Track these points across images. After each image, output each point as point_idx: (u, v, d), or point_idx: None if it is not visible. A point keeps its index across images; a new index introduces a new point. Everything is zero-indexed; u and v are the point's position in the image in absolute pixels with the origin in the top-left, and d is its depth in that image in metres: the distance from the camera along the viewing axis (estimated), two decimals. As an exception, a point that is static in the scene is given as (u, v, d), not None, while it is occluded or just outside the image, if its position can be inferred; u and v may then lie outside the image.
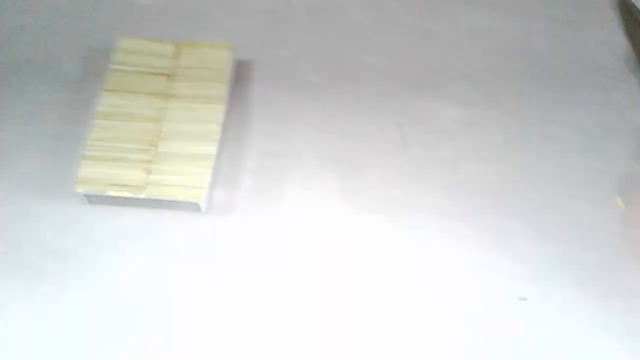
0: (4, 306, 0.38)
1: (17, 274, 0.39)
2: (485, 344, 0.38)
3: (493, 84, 0.47)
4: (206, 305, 0.38)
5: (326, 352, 0.37)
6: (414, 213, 0.42)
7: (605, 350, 0.38)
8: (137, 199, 0.39)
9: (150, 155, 0.40)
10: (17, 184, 0.41)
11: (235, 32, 0.48)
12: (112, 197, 0.39)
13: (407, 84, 0.47)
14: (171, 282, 0.38)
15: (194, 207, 0.39)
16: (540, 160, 0.45)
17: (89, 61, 0.46)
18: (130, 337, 0.37)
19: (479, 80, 0.48)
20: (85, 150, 0.40)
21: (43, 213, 0.40)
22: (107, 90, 0.42)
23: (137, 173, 0.39)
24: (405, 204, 0.42)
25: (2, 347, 0.36)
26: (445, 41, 0.49)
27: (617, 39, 0.50)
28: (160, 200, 0.39)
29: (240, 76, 0.46)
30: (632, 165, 0.44)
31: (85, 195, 0.39)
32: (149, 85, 0.42)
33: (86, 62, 0.46)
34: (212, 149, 0.40)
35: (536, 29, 0.50)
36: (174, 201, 0.39)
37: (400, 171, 0.43)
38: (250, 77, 0.46)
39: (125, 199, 0.39)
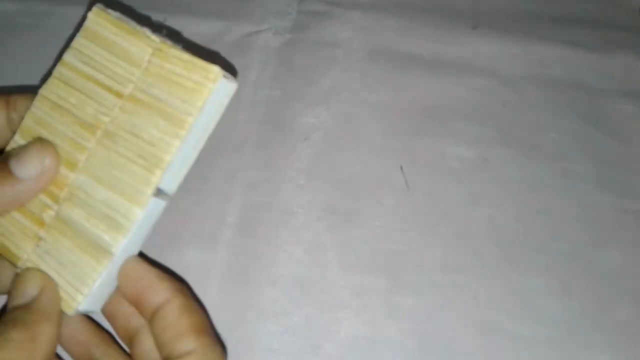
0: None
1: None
2: None
3: (505, 117, 0.43)
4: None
5: None
6: (419, 269, 0.36)
7: None
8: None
9: (47, 216, 0.28)
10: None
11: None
12: None
13: (410, 119, 0.42)
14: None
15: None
16: (561, 201, 0.39)
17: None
18: None
19: (489, 113, 0.43)
20: None
21: None
22: (43, 95, 0.29)
23: (25, 237, 0.28)
24: (409, 259, 0.37)
25: None
26: (452, 71, 0.45)
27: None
28: None
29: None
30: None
31: None
32: (91, 104, 0.28)
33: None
34: (114, 241, 0.26)
35: (555, 54, 0.46)
36: None
37: (403, 221, 0.38)
38: (231, 115, 0.42)
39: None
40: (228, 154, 0.40)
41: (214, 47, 0.45)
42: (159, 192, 0.27)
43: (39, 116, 0.29)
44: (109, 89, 0.28)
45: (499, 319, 0.35)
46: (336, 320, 0.35)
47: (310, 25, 0.47)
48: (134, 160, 0.27)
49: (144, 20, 0.29)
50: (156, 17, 0.44)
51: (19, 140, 0.28)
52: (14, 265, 0.28)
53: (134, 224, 0.26)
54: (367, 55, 0.45)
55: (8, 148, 0.29)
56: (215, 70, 0.26)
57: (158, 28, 0.28)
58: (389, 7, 0.48)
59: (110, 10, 0.29)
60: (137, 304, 0.27)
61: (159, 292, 0.27)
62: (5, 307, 0.26)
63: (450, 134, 0.42)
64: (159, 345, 0.26)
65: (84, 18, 0.29)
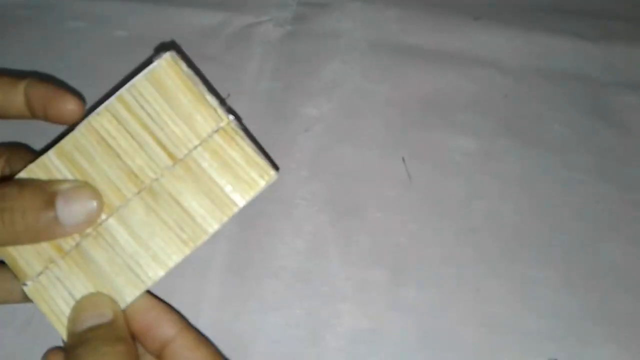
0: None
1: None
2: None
3: (507, 109, 0.42)
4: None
5: None
6: (421, 262, 0.36)
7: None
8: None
9: (68, 245, 0.28)
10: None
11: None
12: None
13: (412, 111, 0.42)
14: None
15: None
16: (564, 193, 0.39)
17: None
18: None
19: (490, 105, 0.42)
20: None
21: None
22: (92, 122, 0.28)
23: (38, 257, 0.28)
24: (411, 252, 0.37)
25: None
26: (454, 63, 0.44)
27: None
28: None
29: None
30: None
31: None
32: (140, 152, 0.28)
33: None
34: (129, 295, 0.28)
35: (558, 46, 0.45)
36: None
37: (405, 214, 0.38)
38: (232, 107, 0.41)
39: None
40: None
41: (215, 38, 0.45)
42: None
43: (82, 144, 0.28)
44: (163, 147, 0.28)
45: (500, 311, 0.35)
46: (338, 312, 0.35)
47: (311, 16, 0.46)
48: (172, 228, 0.28)
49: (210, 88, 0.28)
50: (160, 14, 0.44)
51: (53, 158, 0.28)
52: (19, 280, 0.28)
53: (153, 283, 0.28)
54: (369, 47, 0.45)
55: (38, 163, 0.28)
56: (272, 173, 0.28)
57: (222, 101, 0.28)
58: (391, -2, 0.47)
59: (182, 63, 0.28)
60: (144, 336, 0.28)
61: (169, 325, 0.28)
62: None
63: (452, 125, 0.41)
64: None
65: (148, 60, 0.28)
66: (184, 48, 0.45)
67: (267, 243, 0.37)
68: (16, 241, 0.27)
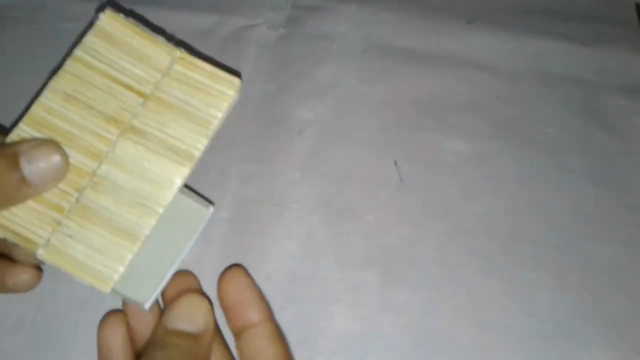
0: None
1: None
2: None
3: (500, 112, 0.42)
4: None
5: None
6: (414, 264, 0.36)
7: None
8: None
9: (67, 203, 0.28)
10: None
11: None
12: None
13: (405, 113, 0.42)
14: None
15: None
16: (556, 195, 0.39)
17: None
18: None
19: (484, 108, 0.42)
20: None
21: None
22: (54, 88, 0.29)
23: (41, 223, 0.28)
24: (404, 253, 0.37)
25: None
26: (447, 65, 0.44)
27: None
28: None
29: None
30: (665, 198, 0.39)
31: None
32: (112, 100, 0.29)
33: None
34: (146, 225, 0.28)
35: (551, 48, 0.45)
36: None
37: (397, 215, 0.38)
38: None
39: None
40: (221, 148, 0.40)
41: (208, 40, 0.45)
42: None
43: (50, 106, 0.29)
44: (129, 88, 0.30)
45: (493, 313, 0.35)
46: (330, 314, 0.35)
47: (305, 19, 0.46)
48: (164, 154, 0.29)
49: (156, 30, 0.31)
50: (151, 10, 0.44)
51: (24, 127, 0.28)
52: (31, 251, 0.28)
53: (164, 208, 0.29)
54: (362, 50, 0.45)
55: (12, 136, 0.28)
56: (237, 81, 0.30)
57: (169, 38, 0.31)
58: (384, 1, 0.47)
59: (121, 15, 0.30)
60: (232, 312, 0.30)
61: (257, 311, 0.30)
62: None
63: (445, 128, 0.42)
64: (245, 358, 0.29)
65: (89, 21, 0.30)
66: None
67: (259, 245, 0.37)
68: None
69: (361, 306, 0.35)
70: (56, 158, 0.27)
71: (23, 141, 0.27)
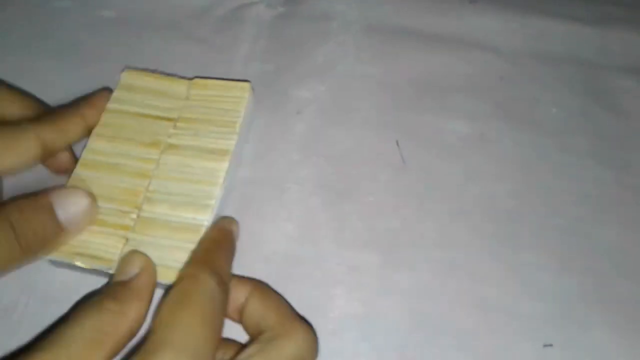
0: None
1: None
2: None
3: (503, 92, 0.42)
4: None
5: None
6: (414, 246, 0.36)
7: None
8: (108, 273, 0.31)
9: (130, 220, 0.32)
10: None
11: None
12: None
13: (406, 94, 0.41)
14: None
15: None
16: (560, 176, 0.39)
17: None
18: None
19: (486, 88, 0.42)
20: None
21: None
22: (97, 134, 0.34)
23: (111, 242, 0.31)
24: (404, 235, 0.36)
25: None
26: (449, 45, 0.44)
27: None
28: None
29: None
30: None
31: (49, 259, 0.32)
32: (147, 131, 0.35)
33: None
34: (203, 217, 0.32)
35: (554, 28, 0.45)
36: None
37: (398, 196, 0.37)
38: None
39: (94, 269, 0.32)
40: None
41: (205, 19, 0.44)
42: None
43: (96, 149, 0.34)
44: (159, 118, 0.35)
45: (494, 295, 0.34)
46: (330, 297, 0.34)
47: (304, -3, 0.45)
48: (202, 157, 0.34)
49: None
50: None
51: (79, 171, 0.33)
52: (108, 268, 0.31)
53: (217, 201, 0.32)
54: (363, 29, 0.44)
55: (71, 181, 0.33)
56: (247, 85, 0.36)
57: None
58: (385, -20, 0.46)
59: (138, 69, 0.37)
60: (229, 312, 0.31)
61: (240, 292, 0.30)
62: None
63: (446, 108, 0.41)
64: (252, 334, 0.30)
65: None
66: (173, 30, 0.44)
67: (258, 227, 0.36)
68: (33, 258, 0.29)
69: (361, 288, 0.34)
70: (85, 201, 0.31)
71: (54, 189, 0.30)
